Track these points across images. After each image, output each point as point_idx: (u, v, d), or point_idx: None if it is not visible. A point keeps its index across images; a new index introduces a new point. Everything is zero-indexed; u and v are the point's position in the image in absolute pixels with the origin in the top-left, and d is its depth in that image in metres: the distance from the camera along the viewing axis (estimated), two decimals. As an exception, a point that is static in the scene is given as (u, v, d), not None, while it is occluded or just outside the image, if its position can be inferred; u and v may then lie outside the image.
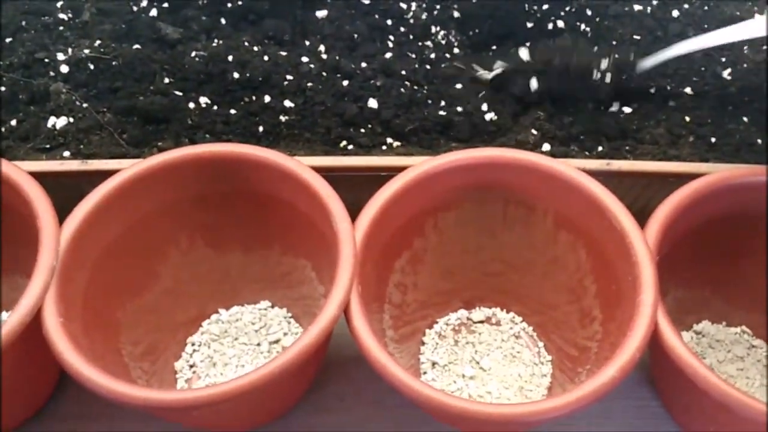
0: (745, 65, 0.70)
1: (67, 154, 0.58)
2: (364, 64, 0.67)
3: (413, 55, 0.69)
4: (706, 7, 0.76)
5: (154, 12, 0.70)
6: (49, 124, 0.60)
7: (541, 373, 0.57)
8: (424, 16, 0.73)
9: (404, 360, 0.56)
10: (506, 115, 0.64)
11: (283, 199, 0.54)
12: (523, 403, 0.46)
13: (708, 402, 0.45)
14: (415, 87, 0.65)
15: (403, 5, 0.73)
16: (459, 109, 0.64)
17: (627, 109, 0.66)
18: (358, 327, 0.45)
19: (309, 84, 0.64)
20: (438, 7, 0.74)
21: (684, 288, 0.58)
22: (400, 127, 0.62)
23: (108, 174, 0.51)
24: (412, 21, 0.73)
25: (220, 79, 0.64)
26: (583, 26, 0.73)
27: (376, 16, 0.72)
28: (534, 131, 0.63)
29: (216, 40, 0.68)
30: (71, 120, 0.60)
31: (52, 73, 0.63)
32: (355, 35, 0.69)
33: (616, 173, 0.57)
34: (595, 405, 0.43)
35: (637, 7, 0.75)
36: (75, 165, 0.55)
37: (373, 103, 0.63)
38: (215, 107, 0.63)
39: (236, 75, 0.64)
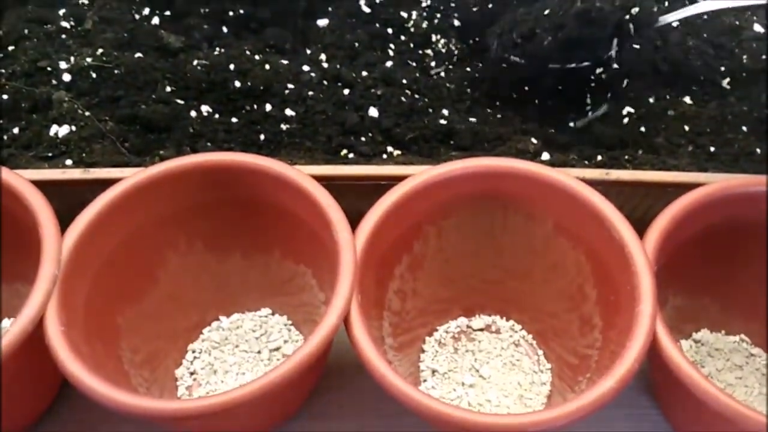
0: (744, 74, 0.70)
1: (69, 162, 0.58)
2: (364, 73, 0.67)
3: (414, 64, 0.70)
4: (705, 17, 0.76)
5: (156, 20, 0.71)
6: (51, 132, 0.60)
7: (540, 381, 0.58)
8: (424, 25, 0.73)
9: (404, 368, 0.57)
10: (506, 123, 0.65)
11: (284, 208, 0.54)
12: (522, 413, 0.46)
13: (707, 412, 0.45)
14: (416, 96, 0.66)
15: (404, 14, 0.74)
16: (459, 117, 0.64)
17: (626, 119, 0.66)
18: (357, 336, 0.45)
19: (310, 93, 0.65)
20: (438, 15, 0.75)
21: (683, 296, 0.58)
22: (400, 135, 0.62)
23: (110, 182, 0.51)
24: (412, 30, 0.73)
25: (222, 87, 0.64)
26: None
27: (377, 25, 0.72)
28: (534, 140, 0.63)
29: (218, 49, 0.68)
30: (73, 128, 0.61)
31: (54, 82, 0.64)
32: (356, 44, 0.70)
33: (615, 183, 0.57)
34: (594, 414, 0.43)
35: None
36: (77, 173, 0.55)
37: (373, 111, 0.63)
38: (217, 116, 0.63)
39: (238, 84, 0.64)
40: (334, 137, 0.62)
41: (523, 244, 0.57)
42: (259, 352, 0.58)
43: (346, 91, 0.65)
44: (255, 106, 0.64)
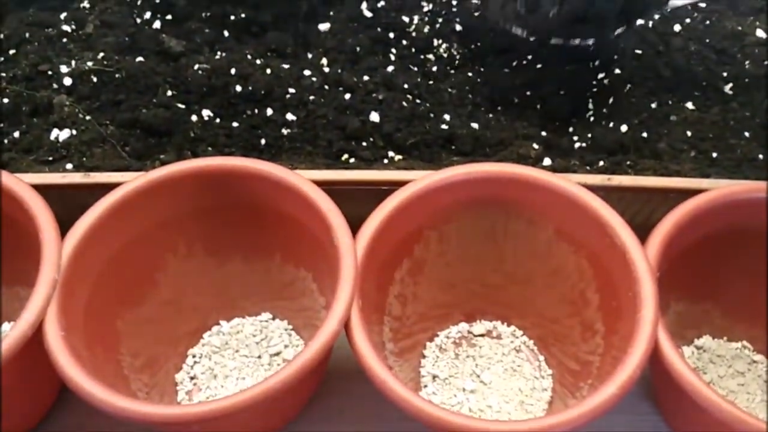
0: (747, 80, 0.70)
1: (69, 166, 0.58)
2: (366, 78, 0.67)
3: (415, 68, 0.69)
4: (707, 22, 0.76)
5: (157, 24, 0.71)
6: (52, 136, 0.60)
7: (541, 387, 0.57)
8: (426, 30, 0.73)
9: (404, 373, 0.56)
10: (508, 128, 0.65)
11: (285, 213, 0.54)
12: (523, 420, 0.46)
13: (708, 419, 0.45)
14: (417, 100, 0.66)
15: (405, 18, 0.74)
16: (460, 122, 0.64)
17: (628, 124, 0.66)
18: (358, 342, 0.45)
19: (311, 97, 0.65)
20: (440, 20, 0.74)
21: (685, 302, 0.58)
22: (401, 140, 0.62)
23: (110, 187, 0.51)
24: (414, 34, 0.73)
25: (223, 92, 0.64)
26: (584, 40, 0.73)
27: (379, 30, 0.72)
28: (535, 145, 0.63)
29: (219, 53, 0.68)
30: (74, 132, 0.61)
31: (55, 86, 0.64)
32: (358, 48, 0.70)
33: (617, 188, 0.57)
34: (596, 420, 0.43)
35: (638, 21, 0.75)
36: (77, 178, 0.55)
37: (375, 116, 0.63)
38: (218, 120, 0.63)
39: (239, 88, 0.64)
40: (335, 142, 0.62)
41: (524, 250, 0.57)
42: (259, 356, 0.58)
43: (348, 96, 0.65)
44: (256, 111, 0.64)
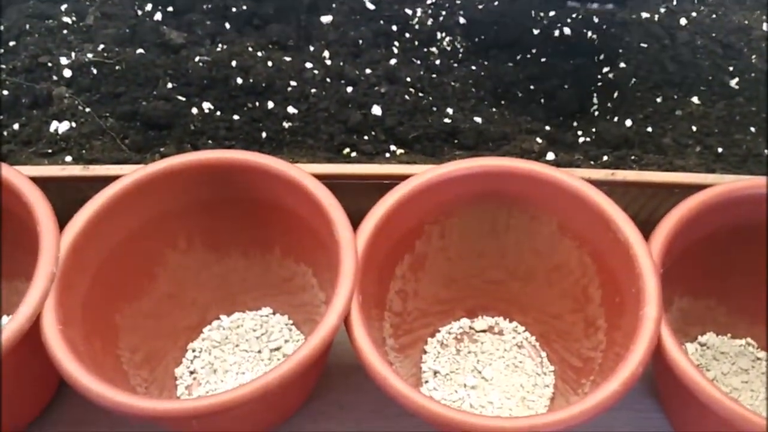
0: (753, 74, 0.69)
1: (69, 159, 0.58)
2: (368, 71, 0.66)
3: (418, 62, 0.69)
4: (713, 16, 0.75)
5: (158, 16, 0.70)
6: (52, 128, 0.60)
7: (543, 383, 0.57)
8: (429, 22, 0.73)
9: (406, 369, 0.56)
10: (511, 122, 0.64)
11: (285, 207, 0.53)
12: (524, 416, 0.46)
13: (711, 417, 0.44)
14: (420, 94, 0.65)
15: (409, 11, 0.73)
16: (463, 116, 0.64)
17: (633, 118, 0.65)
18: (358, 337, 0.45)
19: (313, 90, 0.64)
20: (444, 13, 0.74)
21: (689, 299, 0.57)
22: (403, 134, 0.62)
23: (109, 180, 0.51)
24: (417, 27, 0.72)
25: (224, 84, 0.64)
26: (589, 33, 0.72)
27: (382, 22, 0.71)
28: (539, 140, 0.62)
29: (220, 45, 0.68)
30: (74, 125, 0.60)
31: (55, 78, 0.63)
32: (360, 41, 0.69)
33: (621, 183, 0.56)
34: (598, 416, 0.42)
35: (644, 15, 0.74)
36: (77, 170, 0.55)
37: (377, 110, 0.63)
38: (218, 113, 0.63)
39: (240, 80, 0.64)
40: (336, 135, 0.61)
41: (526, 245, 0.56)
42: (259, 351, 0.58)
43: (350, 89, 0.64)
44: (257, 104, 0.63)
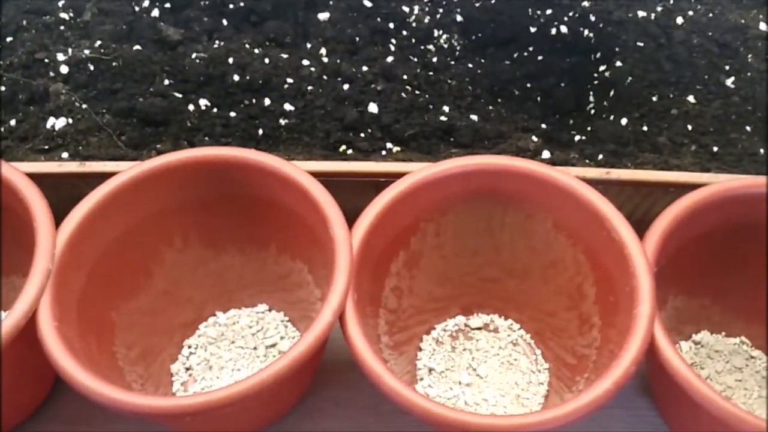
0: (749, 74, 0.69)
1: (65, 155, 0.58)
2: (365, 68, 0.66)
3: (415, 59, 0.69)
4: (710, 15, 0.75)
5: (155, 12, 0.70)
6: (48, 124, 0.60)
7: (538, 381, 0.57)
8: (426, 20, 0.73)
9: (400, 366, 0.56)
10: (507, 120, 0.64)
11: (281, 204, 0.53)
12: (518, 414, 0.46)
13: (704, 415, 0.45)
14: (417, 92, 0.65)
15: (406, 9, 0.73)
16: (460, 114, 0.64)
17: (628, 117, 0.65)
18: (353, 335, 0.45)
19: (309, 87, 0.64)
20: (441, 10, 0.74)
21: (683, 297, 0.58)
22: (400, 132, 0.62)
23: (106, 176, 0.51)
24: (414, 24, 0.72)
25: (221, 81, 0.64)
26: (586, 32, 0.72)
27: (379, 20, 0.71)
28: (534, 138, 0.62)
29: (217, 42, 0.68)
30: (70, 121, 0.60)
31: (51, 74, 0.63)
32: (357, 38, 0.69)
33: (616, 182, 0.56)
34: (591, 415, 0.43)
35: (641, 14, 0.74)
36: (73, 167, 0.55)
37: (373, 107, 0.63)
38: (215, 110, 0.63)
39: (236, 77, 0.64)
40: (332, 133, 0.61)
41: (521, 242, 0.56)
42: (255, 348, 0.58)
43: (346, 86, 0.64)
44: (254, 101, 0.63)
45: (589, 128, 0.64)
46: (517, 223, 0.55)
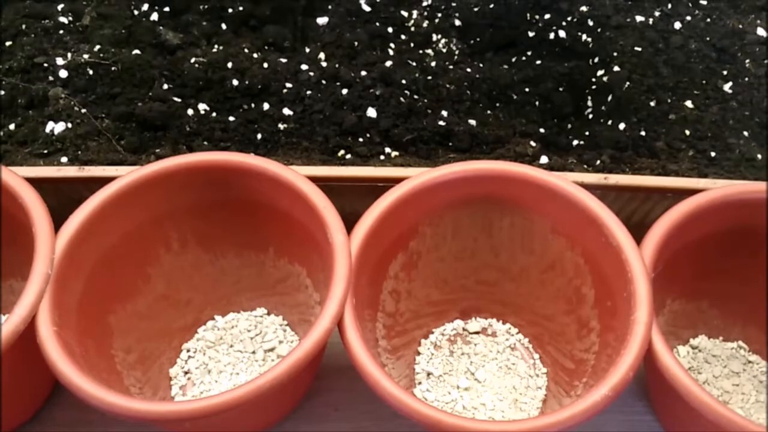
0: (746, 79, 0.70)
1: (64, 159, 0.58)
2: (363, 73, 0.66)
3: (413, 64, 0.69)
4: (708, 20, 0.75)
5: (154, 17, 0.70)
6: (48, 129, 0.60)
7: (536, 385, 0.57)
8: (425, 24, 0.73)
9: (399, 370, 0.56)
10: (506, 125, 0.64)
11: (280, 209, 0.53)
12: (514, 420, 0.46)
13: (701, 421, 0.45)
14: (415, 96, 0.65)
15: (404, 13, 0.73)
16: (458, 119, 0.64)
17: (626, 122, 0.66)
18: (351, 340, 0.45)
19: (308, 92, 0.64)
20: (439, 15, 0.74)
21: (681, 301, 0.58)
22: (398, 137, 0.62)
23: (105, 181, 0.51)
24: (413, 29, 0.72)
25: (219, 85, 0.64)
26: (584, 36, 0.73)
27: (377, 24, 0.72)
28: (533, 143, 0.62)
29: (216, 46, 0.68)
30: (69, 125, 0.60)
31: (51, 78, 0.63)
32: (356, 43, 0.69)
33: (614, 187, 0.57)
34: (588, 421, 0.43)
35: (639, 18, 0.75)
36: (72, 171, 0.55)
37: (372, 112, 0.63)
38: (214, 114, 0.63)
39: (235, 82, 0.64)
40: (331, 137, 0.62)
41: (520, 246, 0.57)
42: (253, 352, 0.58)
43: (345, 91, 0.65)
44: (252, 105, 0.63)
45: (587, 133, 0.64)
46: (515, 226, 0.55)
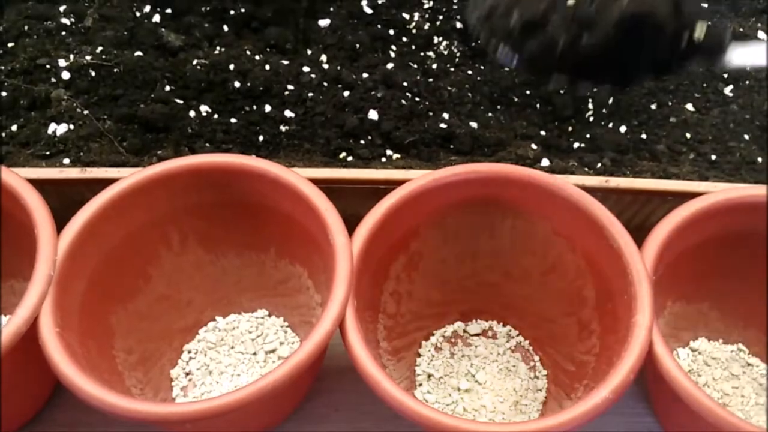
0: (747, 82, 0.70)
1: (66, 161, 0.58)
2: (365, 75, 0.67)
3: (415, 66, 0.69)
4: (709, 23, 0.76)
5: (156, 18, 0.70)
6: (50, 130, 0.60)
7: (536, 387, 0.57)
8: (426, 27, 0.73)
9: (399, 371, 0.56)
10: (507, 128, 0.64)
11: (281, 211, 0.54)
12: (515, 422, 0.46)
13: (702, 424, 0.45)
14: (417, 99, 0.65)
15: (406, 15, 0.73)
16: (459, 121, 0.64)
17: (627, 125, 0.66)
18: (352, 342, 0.45)
19: (310, 94, 0.64)
20: (441, 17, 0.74)
21: (681, 304, 0.58)
22: (400, 139, 0.62)
23: (107, 182, 0.51)
24: (414, 31, 0.72)
25: (221, 87, 0.64)
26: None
27: (379, 26, 0.72)
28: (534, 146, 0.63)
29: (218, 48, 0.68)
30: (71, 127, 0.60)
31: (53, 80, 0.63)
32: (357, 45, 0.69)
33: (615, 190, 0.57)
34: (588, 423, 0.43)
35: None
36: (74, 173, 0.55)
37: (373, 114, 0.63)
38: (216, 116, 0.63)
39: (237, 84, 0.64)
40: (333, 139, 0.62)
41: (521, 248, 0.57)
42: (254, 353, 0.58)
43: (346, 93, 0.65)
44: (254, 107, 0.64)
45: (588, 136, 0.64)
46: (517, 228, 0.56)
